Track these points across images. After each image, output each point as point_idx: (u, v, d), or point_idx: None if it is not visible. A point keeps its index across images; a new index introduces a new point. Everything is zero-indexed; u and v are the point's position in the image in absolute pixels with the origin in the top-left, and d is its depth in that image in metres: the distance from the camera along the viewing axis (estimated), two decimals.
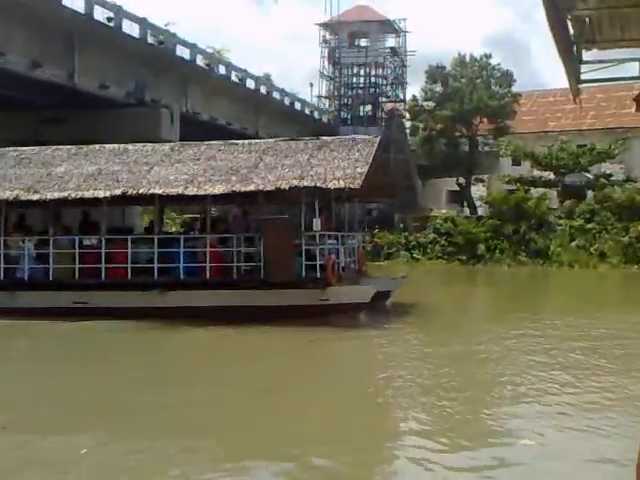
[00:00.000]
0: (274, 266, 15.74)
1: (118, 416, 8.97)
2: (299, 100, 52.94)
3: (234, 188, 16.22)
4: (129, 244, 16.61)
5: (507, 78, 51.27)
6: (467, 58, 53.15)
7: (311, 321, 15.23)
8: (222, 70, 41.98)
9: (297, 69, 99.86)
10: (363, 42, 62.23)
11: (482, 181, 50.21)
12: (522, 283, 30.96)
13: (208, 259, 16.35)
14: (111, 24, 30.70)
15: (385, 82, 61.22)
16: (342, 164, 16.69)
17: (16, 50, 26.24)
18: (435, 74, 53.10)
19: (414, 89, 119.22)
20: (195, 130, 34.60)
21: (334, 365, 13.25)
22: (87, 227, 18.60)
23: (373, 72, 61.04)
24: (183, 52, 37.19)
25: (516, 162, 47.34)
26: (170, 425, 8.58)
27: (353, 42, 62.14)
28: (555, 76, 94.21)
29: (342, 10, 61.16)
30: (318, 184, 16.05)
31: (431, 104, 52.43)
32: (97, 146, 18.95)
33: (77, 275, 16.69)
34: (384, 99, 60.93)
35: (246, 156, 17.54)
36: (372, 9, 63.27)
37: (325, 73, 61.44)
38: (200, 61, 39.04)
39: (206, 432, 8.36)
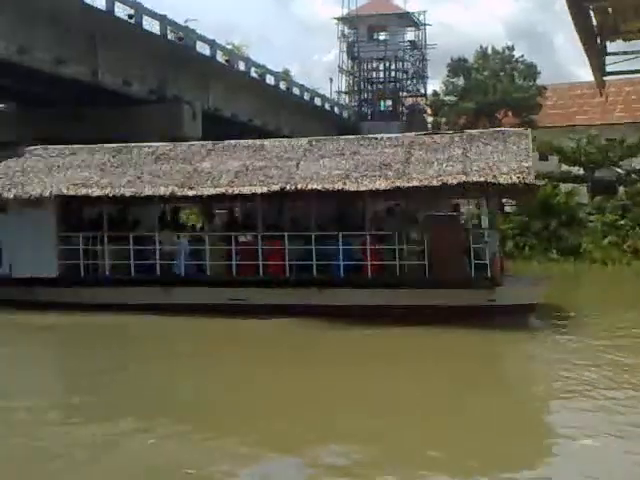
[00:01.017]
0: (441, 265, 15.23)
1: None
2: (319, 96, 52.36)
3: (397, 184, 15.53)
4: (286, 241, 16.20)
5: (531, 70, 50.47)
6: (489, 51, 52.42)
7: (478, 322, 14.57)
8: (242, 66, 41.53)
9: (316, 64, 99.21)
10: (382, 36, 61.56)
11: None
12: (568, 280, 29.89)
13: (369, 257, 15.86)
14: (132, 21, 30.26)
15: (405, 76, 60.57)
16: (502, 158, 15.90)
17: (41, 48, 25.90)
18: (457, 67, 52.37)
19: (435, 83, 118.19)
20: (216, 126, 34.14)
21: (500, 369, 12.67)
22: (236, 224, 18.23)
23: (393, 66, 60.39)
24: (203, 48, 36.76)
25: (543, 157, 46.40)
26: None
27: (372, 36, 61.50)
28: (582, 68, 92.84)
29: (360, 4, 60.63)
30: (488, 179, 15.20)
31: (453, 98, 51.74)
32: (232, 142, 18.67)
33: (234, 272, 16.39)
34: (405, 94, 60.31)
35: (392, 150, 17.00)
36: (391, 2, 62.52)
37: (344, 68, 60.86)
38: (220, 57, 38.58)
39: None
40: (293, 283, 15.99)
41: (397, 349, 13.19)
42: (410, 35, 61.82)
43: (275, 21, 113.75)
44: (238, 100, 39.24)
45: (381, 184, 15.63)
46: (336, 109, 55.59)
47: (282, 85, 46.00)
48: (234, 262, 16.41)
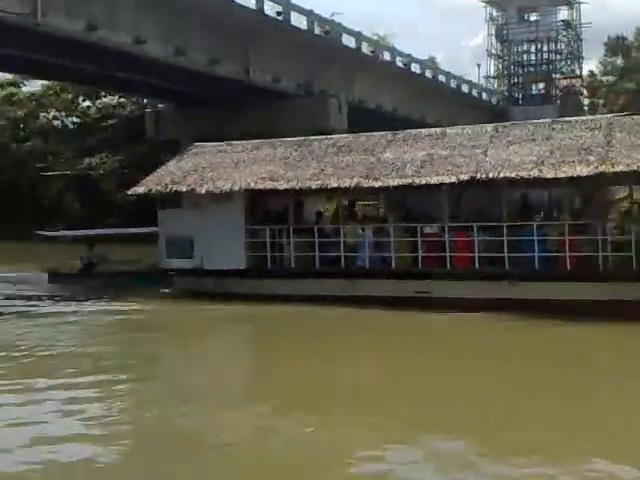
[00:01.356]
0: None
1: None
2: (466, 82, 51.19)
3: (600, 169, 14.30)
4: (475, 232, 15.53)
5: None
6: None
7: None
8: (387, 56, 41.45)
9: (462, 50, 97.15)
10: (533, 16, 59.19)
11: None
12: None
13: (567, 248, 14.76)
14: (280, 18, 31.07)
15: (559, 57, 57.90)
16: None
17: (196, 49, 27.25)
18: (615, 46, 49.42)
19: (591, 63, 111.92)
20: (361, 117, 34.33)
21: None
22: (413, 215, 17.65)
23: (545, 48, 57.95)
24: (349, 41, 37.06)
25: None
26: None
27: (522, 17, 59.30)
28: None
29: None
30: None
31: (611, 78, 48.79)
32: (412, 132, 18.29)
33: (420, 264, 16.01)
34: (558, 75, 57.63)
35: (589, 134, 15.84)
36: None
37: (493, 52, 59.17)
38: (365, 49, 38.72)
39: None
40: (482, 276, 15.31)
41: (581, 347, 12.17)
42: (563, 14, 59.03)
43: (419, 9, 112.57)
44: (382, 90, 39.24)
45: (582, 170, 14.45)
46: (484, 95, 54.12)
47: (428, 73, 45.43)
48: (419, 254, 16.00)
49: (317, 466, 7.03)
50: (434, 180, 15.60)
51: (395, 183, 15.94)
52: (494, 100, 55.22)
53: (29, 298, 18.41)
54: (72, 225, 34.55)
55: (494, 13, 59.65)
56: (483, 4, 59.86)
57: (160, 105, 39.05)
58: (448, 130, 17.81)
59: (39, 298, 18.33)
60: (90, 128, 46.66)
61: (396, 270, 16.08)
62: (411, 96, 41.91)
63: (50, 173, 46.38)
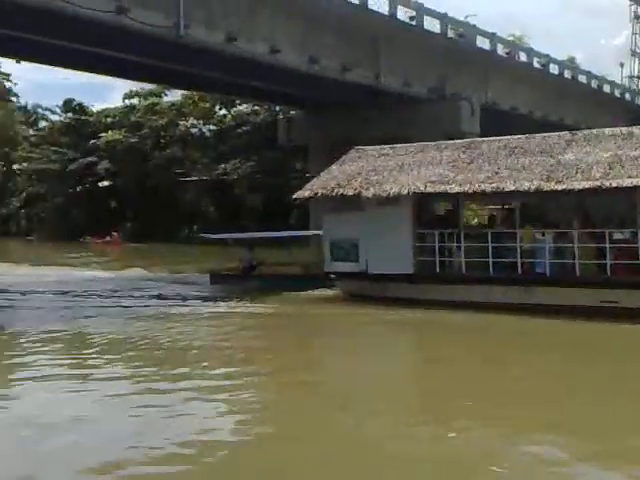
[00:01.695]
0: None
1: None
2: (607, 82, 48.66)
3: None
4: None
5: None
6: None
7: None
8: (523, 57, 40.15)
9: (603, 49, 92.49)
10: None
11: None
12: None
13: None
14: (413, 22, 30.83)
15: None
16: None
17: (328, 56, 27.52)
18: None
19: None
20: (493, 121, 33.37)
21: None
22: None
23: None
24: (483, 43, 36.18)
25: None
26: None
27: None
28: None
29: None
30: None
31: None
32: (593, 131, 17.64)
33: (608, 272, 15.02)
34: None
35: None
36: None
37: (637, 51, 56.15)
38: (500, 50, 37.66)
39: None
40: None
41: None
42: None
43: (558, 8, 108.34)
44: (517, 92, 38.06)
45: None
46: (627, 95, 51.29)
47: (566, 74, 43.58)
48: (608, 261, 15.01)
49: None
50: (627, 182, 14.61)
51: (581, 186, 15.03)
52: (638, 101, 52.25)
53: (185, 298, 19.06)
54: (209, 228, 35.91)
55: (639, 11, 56.67)
56: (628, 2, 56.99)
57: (292, 112, 39.82)
58: (635, 130, 16.61)
59: (196, 298, 18.94)
60: (225, 135, 48.38)
61: (581, 278, 15.14)
62: (547, 97, 40.37)
63: (187, 178, 48.54)
